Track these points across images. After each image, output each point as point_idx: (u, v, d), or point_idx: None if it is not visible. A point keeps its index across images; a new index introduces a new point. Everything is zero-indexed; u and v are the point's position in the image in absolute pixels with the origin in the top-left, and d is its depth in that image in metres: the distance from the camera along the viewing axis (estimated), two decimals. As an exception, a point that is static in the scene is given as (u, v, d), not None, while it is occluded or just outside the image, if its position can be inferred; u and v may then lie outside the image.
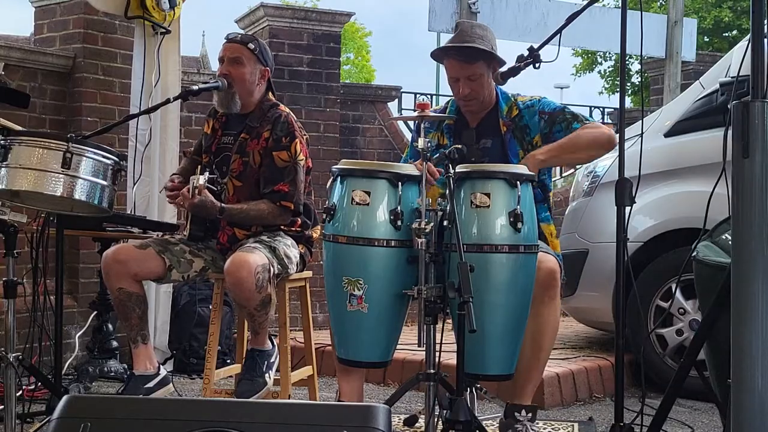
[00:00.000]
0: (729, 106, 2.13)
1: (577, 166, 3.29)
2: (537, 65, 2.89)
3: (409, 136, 5.10)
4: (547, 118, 3.15)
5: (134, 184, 4.50)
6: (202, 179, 3.17)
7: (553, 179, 3.46)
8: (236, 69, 3.42)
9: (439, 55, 3.24)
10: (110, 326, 4.27)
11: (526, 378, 3.00)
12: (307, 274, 3.62)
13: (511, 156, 3.10)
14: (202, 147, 3.57)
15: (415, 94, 6.73)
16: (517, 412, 2.97)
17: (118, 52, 4.84)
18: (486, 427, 2.72)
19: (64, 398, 2.11)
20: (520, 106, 3.17)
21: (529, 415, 2.98)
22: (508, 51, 3.13)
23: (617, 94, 9.08)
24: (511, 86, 3.19)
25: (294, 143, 3.40)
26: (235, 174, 3.41)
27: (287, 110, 3.49)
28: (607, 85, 22.33)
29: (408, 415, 3.20)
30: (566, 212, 4.91)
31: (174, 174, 3.56)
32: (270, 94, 3.55)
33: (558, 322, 3.03)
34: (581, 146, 3.06)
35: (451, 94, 3.26)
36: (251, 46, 3.46)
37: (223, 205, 3.29)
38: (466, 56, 3.12)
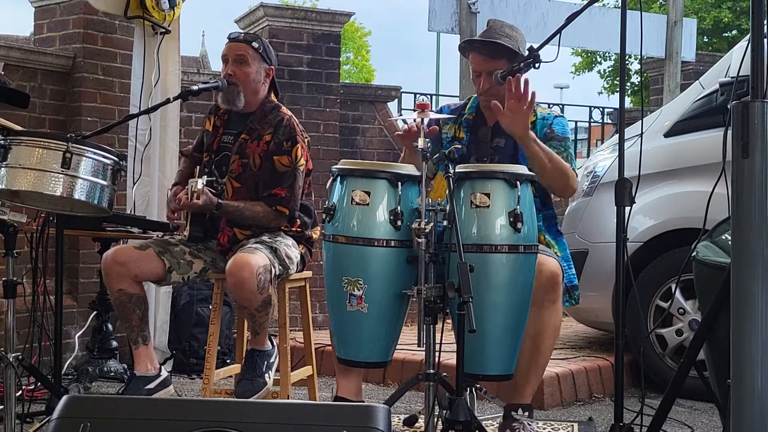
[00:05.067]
0: (729, 106, 2.13)
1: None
2: (537, 65, 2.89)
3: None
4: (549, 133, 3.15)
5: (134, 184, 4.50)
6: (200, 183, 3.16)
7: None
8: (241, 68, 3.42)
9: (464, 47, 3.24)
10: (110, 326, 4.27)
11: (524, 379, 3.00)
12: (307, 274, 3.62)
13: (521, 158, 3.11)
14: (204, 144, 3.57)
15: (415, 94, 6.72)
16: (514, 411, 2.98)
17: (118, 52, 4.84)
18: (486, 427, 2.72)
19: (64, 398, 2.11)
20: (537, 115, 3.18)
21: (526, 413, 2.98)
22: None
23: (617, 94, 9.07)
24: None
25: (296, 148, 3.40)
26: (234, 175, 3.40)
27: (289, 113, 3.49)
28: (606, 85, 22.33)
29: (408, 415, 3.21)
30: (566, 212, 4.91)
31: (174, 185, 3.53)
32: (272, 94, 3.55)
33: (559, 325, 3.01)
34: (557, 167, 3.05)
35: (457, 94, 3.26)
36: (255, 45, 3.46)
37: (219, 200, 3.29)
38: (490, 51, 3.12)
